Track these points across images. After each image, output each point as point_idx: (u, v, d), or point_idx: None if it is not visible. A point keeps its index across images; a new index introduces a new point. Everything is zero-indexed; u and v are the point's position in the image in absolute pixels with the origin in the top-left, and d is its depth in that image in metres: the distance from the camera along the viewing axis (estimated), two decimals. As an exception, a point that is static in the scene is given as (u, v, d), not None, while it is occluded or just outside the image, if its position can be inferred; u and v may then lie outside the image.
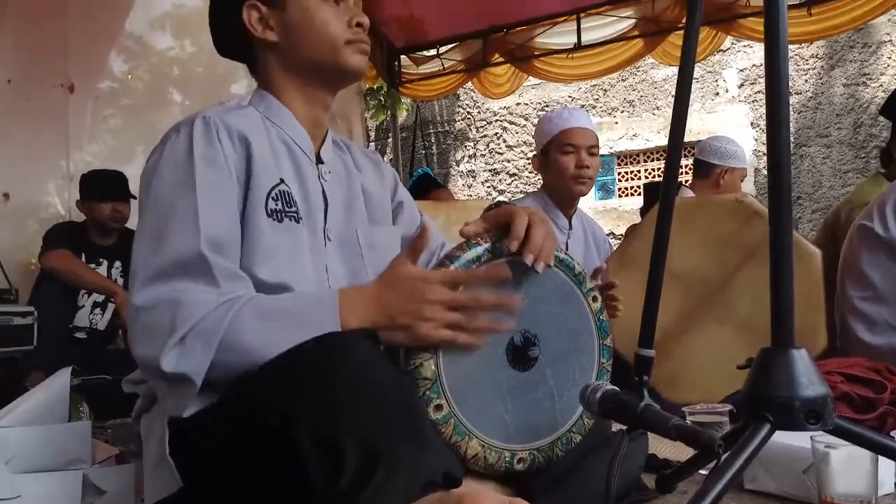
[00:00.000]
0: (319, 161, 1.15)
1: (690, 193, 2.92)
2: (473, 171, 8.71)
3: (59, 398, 1.29)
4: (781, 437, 0.87)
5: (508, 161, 8.52)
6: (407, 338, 0.94)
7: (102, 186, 2.93)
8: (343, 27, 1.11)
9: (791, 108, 6.95)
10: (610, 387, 0.96)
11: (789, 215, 0.77)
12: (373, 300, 0.94)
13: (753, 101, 7.26)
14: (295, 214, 1.05)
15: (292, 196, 1.05)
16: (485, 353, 1.00)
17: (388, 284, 0.96)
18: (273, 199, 1.03)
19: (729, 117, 7.36)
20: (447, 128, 8.90)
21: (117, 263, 2.98)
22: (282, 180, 1.05)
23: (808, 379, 0.78)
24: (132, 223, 2.20)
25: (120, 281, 2.95)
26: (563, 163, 2.16)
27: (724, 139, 3.10)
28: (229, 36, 1.15)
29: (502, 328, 0.99)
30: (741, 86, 7.39)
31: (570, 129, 2.17)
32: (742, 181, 3.08)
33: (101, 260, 2.95)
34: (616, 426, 1.08)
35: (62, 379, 1.31)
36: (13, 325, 2.44)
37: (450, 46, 4.92)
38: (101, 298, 2.90)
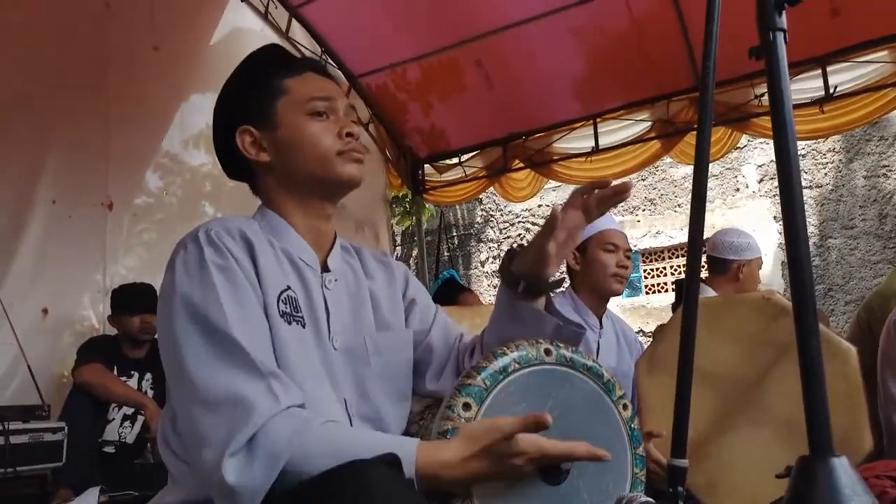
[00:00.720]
0: (326, 269, 1.15)
1: (711, 291, 2.86)
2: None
3: (86, 520, 1.28)
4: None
5: (533, 261, 8.56)
6: None
7: (131, 299, 3.00)
8: (333, 139, 1.12)
9: (813, 201, 7.01)
10: (644, 498, 0.93)
11: (815, 319, 0.76)
12: (460, 468, 0.89)
13: (775, 196, 7.31)
14: (301, 319, 1.05)
15: (298, 302, 1.06)
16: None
17: (479, 457, 0.90)
18: (283, 301, 1.04)
19: (751, 212, 7.40)
20: (471, 230, 9.04)
21: (148, 375, 3.01)
22: (288, 286, 1.06)
23: (852, 490, 0.74)
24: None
25: (150, 393, 2.96)
26: (605, 260, 2.22)
27: (733, 232, 3.03)
28: (229, 159, 1.19)
29: None
30: (761, 181, 7.46)
31: (612, 230, 2.25)
32: (759, 269, 3.01)
33: (132, 372, 2.98)
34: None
35: (90, 500, 1.30)
36: (43, 441, 2.45)
37: (471, 154, 5.04)
38: (130, 411, 2.91)
